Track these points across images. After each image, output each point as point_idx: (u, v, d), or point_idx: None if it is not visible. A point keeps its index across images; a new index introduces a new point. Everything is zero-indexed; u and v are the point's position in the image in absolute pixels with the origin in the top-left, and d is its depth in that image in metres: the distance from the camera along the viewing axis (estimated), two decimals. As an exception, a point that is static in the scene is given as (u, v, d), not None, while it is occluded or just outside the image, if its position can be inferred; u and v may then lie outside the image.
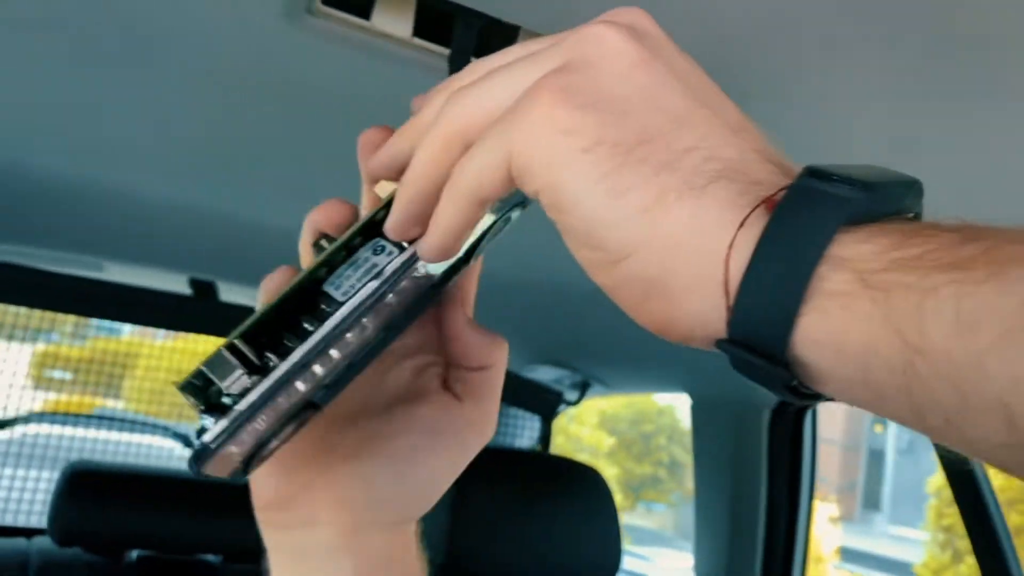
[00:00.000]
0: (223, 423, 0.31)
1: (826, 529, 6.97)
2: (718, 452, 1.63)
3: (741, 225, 0.25)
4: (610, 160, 0.26)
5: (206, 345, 1.91)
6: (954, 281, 0.22)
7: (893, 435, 10.05)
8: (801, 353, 0.24)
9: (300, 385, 0.32)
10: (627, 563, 1.36)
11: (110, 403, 2.40)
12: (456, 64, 0.55)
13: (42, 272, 1.40)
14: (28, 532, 1.45)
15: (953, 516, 5.98)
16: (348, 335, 0.33)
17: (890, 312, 0.23)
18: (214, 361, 0.32)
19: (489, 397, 0.41)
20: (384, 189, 0.35)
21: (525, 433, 1.98)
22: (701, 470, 1.68)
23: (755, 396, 1.53)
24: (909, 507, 9.17)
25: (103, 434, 2.00)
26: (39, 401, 2.03)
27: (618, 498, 1.33)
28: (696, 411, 1.70)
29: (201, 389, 0.32)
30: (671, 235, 0.26)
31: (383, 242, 0.34)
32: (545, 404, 1.92)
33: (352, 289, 0.33)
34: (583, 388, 1.82)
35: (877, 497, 10.17)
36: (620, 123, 0.27)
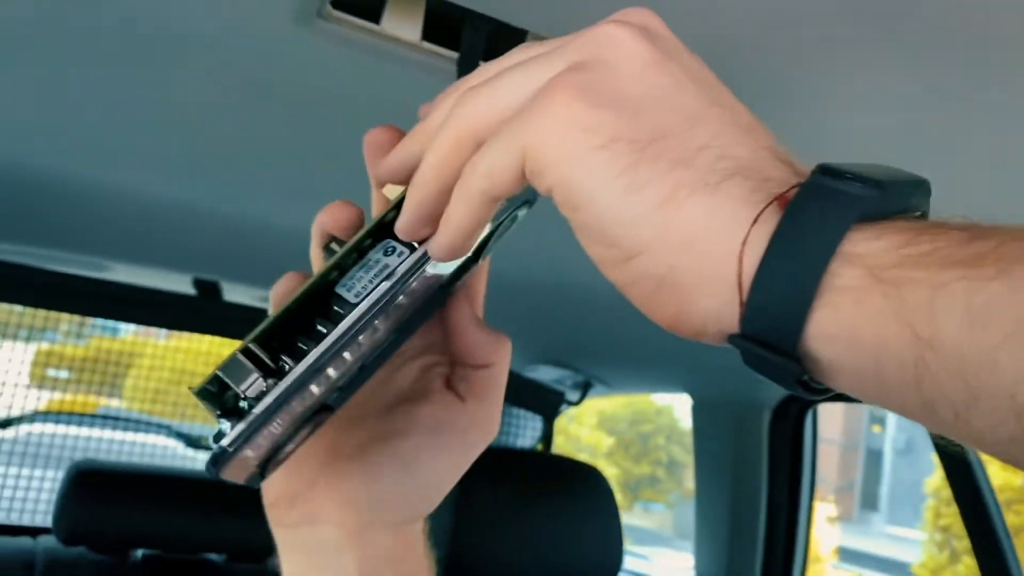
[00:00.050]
0: (240, 427, 0.31)
1: (824, 529, 6.96)
2: (719, 452, 1.63)
3: (755, 221, 0.26)
4: (627, 156, 0.27)
5: (206, 345, 1.92)
6: (964, 277, 0.22)
7: (891, 435, 10.04)
8: (813, 347, 0.25)
9: (315, 388, 0.32)
10: (627, 563, 1.36)
11: (111, 402, 2.40)
12: (464, 68, 0.55)
13: (48, 272, 1.40)
14: (33, 531, 1.45)
15: (951, 516, 5.97)
16: (361, 337, 0.33)
17: (901, 307, 0.23)
18: (230, 365, 0.32)
19: (492, 396, 0.41)
20: (392, 191, 0.35)
21: (527, 433, 1.98)
22: (702, 470, 1.69)
23: (756, 397, 1.53)
24: (907, 507, 9.17)
25: (107, 433, 2.00)
26: (41, 400, 2.03)
27: (616, 498, 1.34)
28: (697, 411, 1.70)
29: (217, 394, 0.32)
30: (685, 231, 0.26)
31: (393, 243, 0.34)
32: (547, 404, 1.92)
33: (364, 291, 0.34)
34: (585, 388, 1.82)
35: (875, 497, 10.16)
36: (636, 121, 0.27)
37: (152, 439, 2.08)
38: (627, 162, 0.27)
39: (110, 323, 2.36)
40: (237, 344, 0.33)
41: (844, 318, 0.24)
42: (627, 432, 9.95)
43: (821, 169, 0.26)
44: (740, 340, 0.26)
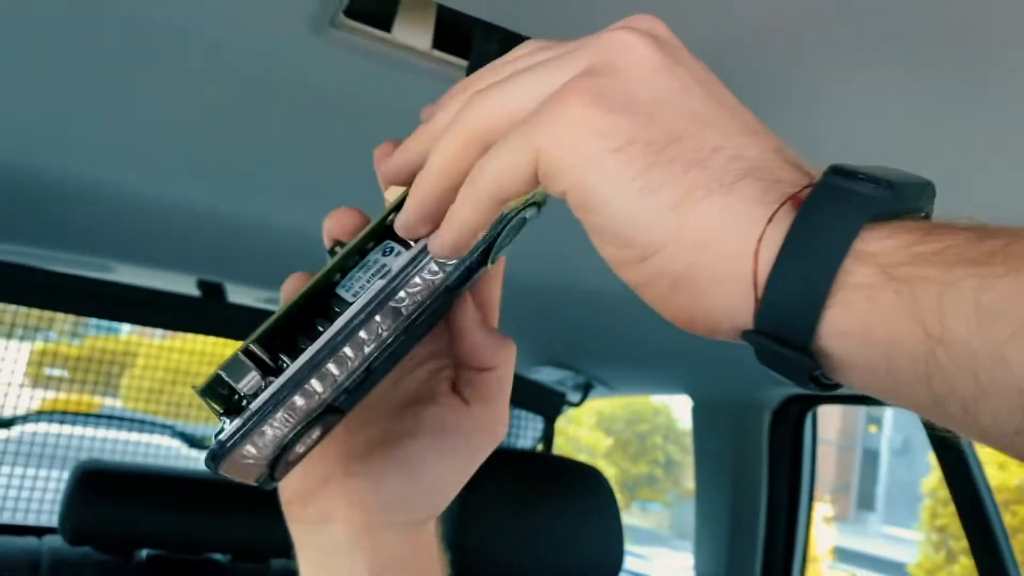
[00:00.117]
0: (237, 422, 0.32)
1: (821, 529, 6.97)
2: (719, 453, 1.63)
3: (769, 221, 0.26)
4: (642, 159, 0.27)
5: (205, 345, 1.92)
6: (974, 275, 0.23)
7: (887, 436, 10.05)
8: (826, 344, 0.25)
9: (317, 385, 0.33)
10: (626, 563, 1.37)
11: (108, 401, 2.40)
12: (474, 76, 0.56)
13: (52, 273, 1.40)
14: (39, 531, 1.45)
15: (947, 516, 5.98)
16: (360, 334, 0.33)
17: (913, 304, 0.24)
18: (230, 365, 0.33)
19: (497, 399, 0.41)
20: (394, 193, 0.36)
21: (528, 434, 1.99)
22: (702, 471, 1.69)
23: (756, 398, 1.54)
24: (903, 507, 9.17)
25: (110, 433, 2.00)
26: (37, 399, 2.03)
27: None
28: (697, 412, 1.70)
29: (219, 393, 0.33)
30: (700, 231, 0.27)
31: (392, 243, 0.35)
32: (548, 405, 1.92)
33: (361, 289, 0.34)
34: (586, 389, 1.82)
35: (871, 497, 10.16)
36: (649, 124, 0.28)
37: (156, 439, 2.08)
38: (642, 165, 0.27)
39: (108, 323, 2.36)
40: (238, 345, 0.34)
41: (857, 315, 0.24)
42: (624, 432, 9.95)
43: (833, 170, 0.27)
44: (755, 336, 0.27)
